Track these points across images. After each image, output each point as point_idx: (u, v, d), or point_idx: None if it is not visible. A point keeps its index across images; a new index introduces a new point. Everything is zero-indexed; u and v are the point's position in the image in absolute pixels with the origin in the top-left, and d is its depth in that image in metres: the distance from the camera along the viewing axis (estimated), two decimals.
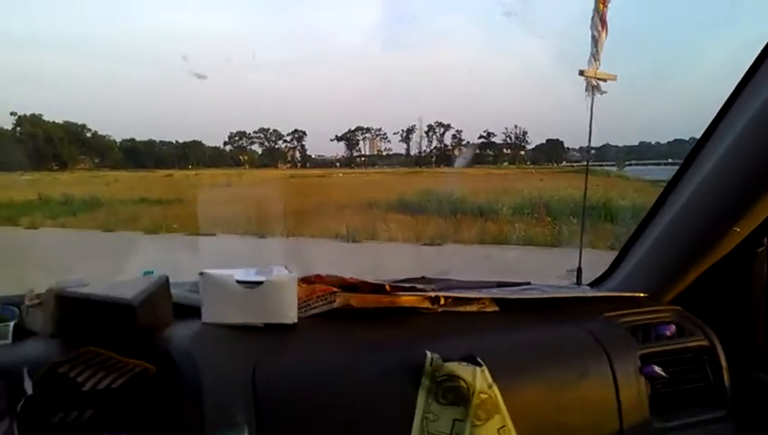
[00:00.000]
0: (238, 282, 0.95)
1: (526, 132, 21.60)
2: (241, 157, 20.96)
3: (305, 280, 1.08)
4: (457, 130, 22.61)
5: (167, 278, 0.90)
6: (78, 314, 0.80)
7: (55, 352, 0.79)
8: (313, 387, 0.87)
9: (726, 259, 1.14)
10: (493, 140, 22.21)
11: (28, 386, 0.73)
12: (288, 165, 21.06)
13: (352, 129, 22.01)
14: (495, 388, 0.90)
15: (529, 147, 22.37)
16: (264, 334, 0.94)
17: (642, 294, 1.22)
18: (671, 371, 1.06)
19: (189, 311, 0.97)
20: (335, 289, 1.06)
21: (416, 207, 10.56)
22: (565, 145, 21.23)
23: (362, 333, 0.99)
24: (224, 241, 8.02)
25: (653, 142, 16.55)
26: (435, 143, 22.89)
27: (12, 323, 0.87)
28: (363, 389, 0.88)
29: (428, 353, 0.90)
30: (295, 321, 0.97)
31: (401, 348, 0.95)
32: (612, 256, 1.34)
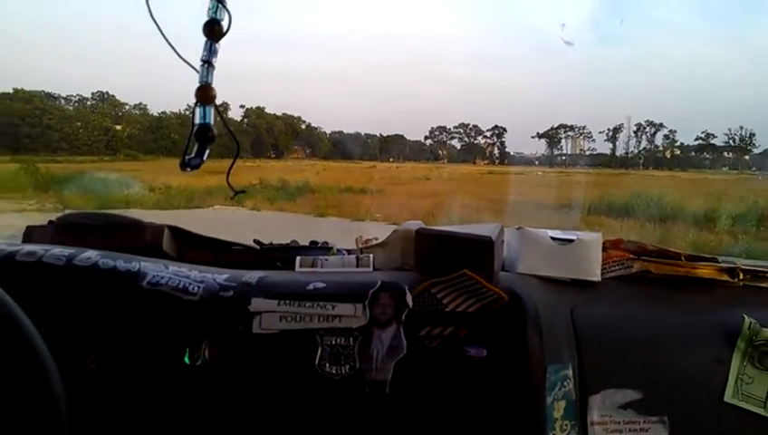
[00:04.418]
0: (552, 238, 1.05)
1: (753, 134, 19.07)
2: (440, 151, 21.46)
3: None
4: (670, 131, 20.81)
5: (502, 227, 1.03)
6: (438, 248, 0.96)
7: (408, 279, 0.95)
8: (626, 336, 0.95)
9: None
10: (712, 142, 20.03)
11: (409, 300, 0.90)
12: (486, 161, 21.07)
13: (555, 126, 21.33)
14: None
15: (756, 151, 19.75)
16: (572, 287, 1.03)
17: None
18: None
19: None
20: (631, 255, 1.11)
21: (621, 210, 10.03)
22: None
23: (666, 296, 1.04)
24: None
25: None
26: (644, 143, 21.30)
27: (371, 256, 1.06)
28: (674, 344, 0.94)
29: (746, 317, 0.92)
30: (599, 279, 1.05)
31: (710, 312, 0.98)
32: None
